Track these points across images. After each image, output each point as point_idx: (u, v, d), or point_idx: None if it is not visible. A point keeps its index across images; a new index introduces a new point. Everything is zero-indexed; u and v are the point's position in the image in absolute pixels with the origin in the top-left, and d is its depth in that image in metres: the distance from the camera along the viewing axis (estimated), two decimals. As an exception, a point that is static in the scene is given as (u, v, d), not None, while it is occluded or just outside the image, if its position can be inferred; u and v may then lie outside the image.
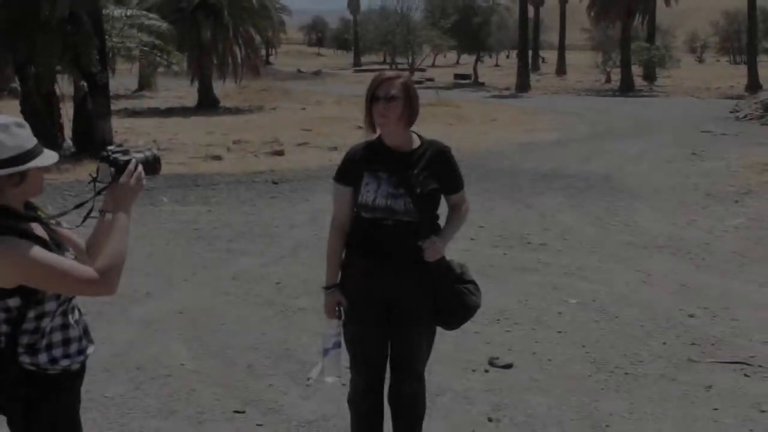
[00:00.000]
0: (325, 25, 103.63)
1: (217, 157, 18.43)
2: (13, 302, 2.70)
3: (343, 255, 3.98)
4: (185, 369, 5.78)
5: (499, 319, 6.91)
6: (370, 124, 3.84)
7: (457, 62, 74.55)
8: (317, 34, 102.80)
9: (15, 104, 20.50)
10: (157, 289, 7.76)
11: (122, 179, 2.84)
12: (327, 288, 4.00)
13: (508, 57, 75.56)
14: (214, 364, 5.89)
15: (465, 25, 51.81)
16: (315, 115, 28.11)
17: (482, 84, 51.33)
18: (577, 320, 6.92)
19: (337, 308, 3.97)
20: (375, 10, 43.50)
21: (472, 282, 4.02)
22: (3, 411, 2.84)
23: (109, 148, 2.94)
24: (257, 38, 37.55)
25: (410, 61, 37.09)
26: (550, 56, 74.59)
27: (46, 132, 18.25)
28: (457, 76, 55.47)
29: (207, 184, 14.19)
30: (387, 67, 39.70)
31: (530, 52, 53.91)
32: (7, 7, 18.44)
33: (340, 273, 3.99)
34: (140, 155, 2.95)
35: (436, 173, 3.87)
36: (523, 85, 45.50)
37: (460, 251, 9.06)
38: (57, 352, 2.82)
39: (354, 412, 4.13)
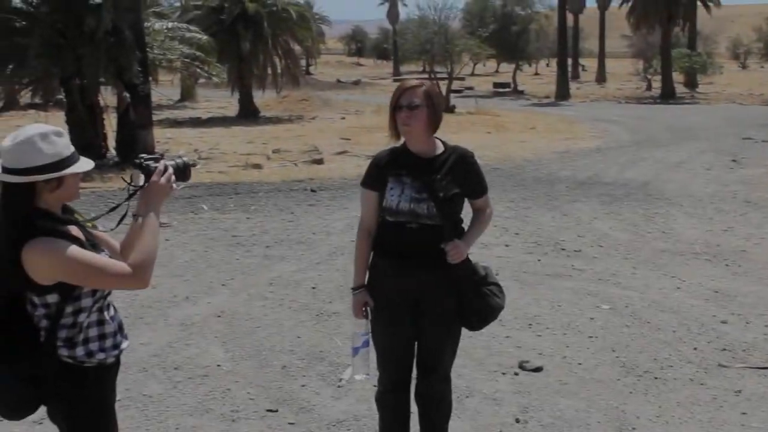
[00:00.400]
0: (365, 34, 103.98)
1: (257, 166, 18.67)
2: (52, 298, 2.88)
3: (371, 257, 4.10)
4: (221, 370, 5.94)
5: (530, 324, 6.98)
6: (395, 131, 3.97)
7: (497, 71, 74.52)
8: (357, 43, 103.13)
9: (61, 115, 20.94)
10: (195, 294, 7.94)
11: (153, 179, 3.01)
12: (354, 289, 4.13)
13: (548, 65, 75.33)
14: (250, 365, 6.04)
15: (504, 34, 51.78)
16: (354, 125, 28.30)
17: (521, 92, 51.23)
18: (608, 326, 6.96)
19: (364, 308, 4.09)
20: (413, 19, 43.47)
21: (496, 284, 4.11)
22: (44, 402, 3.01)
23: (142, 155, 3.15)
24: (297, 48, 37.91)
25: (449, 69, 37.01)
26: (590, 64, 74.22)
27: (90, 142, 18.67)
28: (496, 84, 55.41)
29: (246, 192, 14.40)
30: (426, 76, 39.78)
31: (570, 60, 53.70)
32: (52, 21, 18.90)
33: (367, 274, 4.10)
34: (171, 162, 3.11)
35: (459, 178, 3.97)
36: (562, 94, 45.32)
37: (495, 257, 9.17)
38: (93, 346, 2.99)
39: (381, 410, 4.25)
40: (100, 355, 3.01)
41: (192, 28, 23.70)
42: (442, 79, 36.92)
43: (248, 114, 34.80)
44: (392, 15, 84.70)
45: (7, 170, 2.82)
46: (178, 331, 6.84)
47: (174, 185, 3.10)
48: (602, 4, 67.40)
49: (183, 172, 3.18)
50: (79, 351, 2.95)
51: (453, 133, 24.38)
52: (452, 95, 36.30)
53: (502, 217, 11.68)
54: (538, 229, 11.00)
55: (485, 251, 9.39)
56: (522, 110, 36.91)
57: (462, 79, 50.90)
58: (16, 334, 2.88)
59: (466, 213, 4.08)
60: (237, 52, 33.35)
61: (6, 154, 2.84)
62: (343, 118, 32.31)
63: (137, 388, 5.52)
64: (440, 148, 4.03)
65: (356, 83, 61.70)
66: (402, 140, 4.01)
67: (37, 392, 2.95)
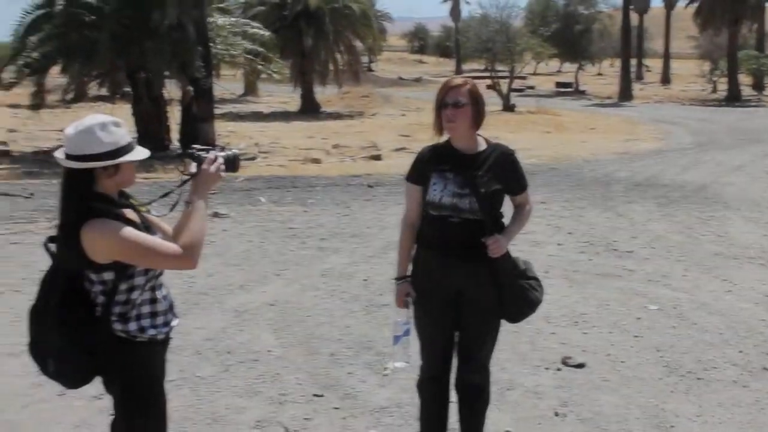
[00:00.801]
0: (427, 32, 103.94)
1: (316, 161, 18.96)
2: (108, 276, 3.10)
3: (414, 249, 4.23)
4: (271, 355, 6.14)
5: (577, 322, 7.04)
6: (439, 127, 4.09)
7: (559, 70, 73.92)
8: (419, 41, 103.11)
9: (127, 107, 21.50)
10: (250, 283, 8.17)
11: (203, 167, 3.22)
12: (397, 279, 4.27)
13: (611, 65, 74.47)
14: (299, 351, 6.24)
15: (566, 33, 51.47)
16: (414, 122, 28.44)
17: (583, 92, 50.82)
18: (655, 326, 6.99)
19: (405, 298, 4.22)
20: (476, 17, 43.40)
21: (535, 278, 4.22)
22: (100, 372, 3.24)
23: (195, 146, 3.39)
24: (358, 45, 38.18)
25: (510, 68, 36.92)
26: (654, 65, 73.16)
27: (155, 133, 19.19)
28: (558, 84, 55.10)
29: (304, 186, 14.66)
30: (487, 74, 39.72)
31: (633, 61, 53.04)
32: (119, 16, 19.41)
33: (410, 265, 4.24)
34: (221, 152, 3.31)
35: (501, 174, 4.07)
36: (625, 94, 44.88)
37: (546, 255, 9.25)
38: (145, 322, 3.21)
39: (422, 397, 4.39)
40: (151, 331, 3.22)
41: (254, 24, 24.12)
42: (503, 77, 36.88)
43: (309, 109, 35.22)
44: (455, 13, 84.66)
45: (70, 156, 3.05)
46: (232, 317, 7.07)
47: (223, 174, 3.28)
48: (668, 3, 66.33)
49: (232, 162, 3.37)
50: (132, 326, 3.17)
51: (511, 132, 24.40)
52: (513, 94, 36.19)
53: (556, 216, 11.73)
54: (592, 228, 11.02)
55: (537, 249, 9.47)
56: (583, 110, 36.69)
57: (524, 78, 50.76)
58: (76, 309, 3.11)
59: (507, 208, 4.18)
60: (299, 48, 33.79)
61: (68, 142, 3.07)
62: (404, 115, 32.50)
63: (191, 370, 5.75)
64: (482, 145, 4.14)
65: (417, 80, 61.80)
66: (445, 136, 4.14)
67: (93, 363, 3.17)
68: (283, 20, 34.04)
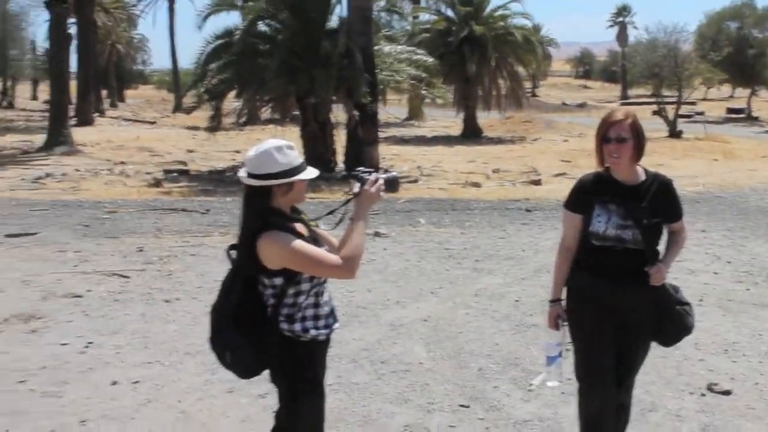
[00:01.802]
0: (593, 57, 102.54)
1: (476, 185, 19.25)
2: (278, 281, 3.56)
3: (576, 275, 4.40)
4: (422, 367, 6.49)
5: (727, 350, 7.02)
6: (601, 160, 4.28)
7: (731, 96, 71.20)
8: (584, 66, 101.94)
9: (296, 130, 22.53)
10: (406, 299, 8.58)
11: (364, 188, 3.61)
12: (552, 301, 4.50)
13: (790, 91, 71.03)
14: (449, 365, 6.56)
15: (739, 58, 49.59)
16: (576, 147, 28.28)
17: (756, 119, 48.76)
18: (810, 358, 6.88)
19: (557, 320, 4.44)
20: (642, 42, 42.55)
21: (688, 304, 4.37)
22: (268, 366, 3.69)
23: (359, 168, 3.80)
24: (521, 71, 38.31)
25: (678, 94, 36.00)
26: (838, 90, 69.20)
27: (321, 155, 20.03)
28: (729, 110, 53.14)
29: (463, 208, 14.98)
30: (654, 100, 38.91)
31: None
32: (291, 44, 20.46)
33: (564, 289, 4.45)
34: (383, 174, 3.70)
35: (661, 205, 4.24)
36: (803, 121, 42.82)
37: (701, 284, 9.19)
38: (309, 324, 3.64)
39: (585, 418, 4.44)
40: (313, 332, 3.64)
41: (419, 51, 24.72)
42: (671, 103, 36.01)
43: (471, 134, 35.63)
44: (621, 37, 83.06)
45: (251, 175, 3.54)
46: (388, 330, 7.48)
47: (383, 194, 3.67)
48: None
49: (392, 184, 3.75)
50: (297, 326, 3.60)
51: (677, 159, 23.91)
52: (680, 120, 35.31)
53: (715, 245, 11.55)
54: (753, 258, 10.79)
55: (691, 277, 9.42)
56: (755, 137, 35.29)
57: (693, 103, 49.28)
58: (250, 309, 3.58)
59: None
60: (462, 74, 34.28)
61: (249, 162, 3.56)
62: (566, 141, 32.33)
63: (347, 376, 6.19)
64: (642, 176, 4.28)
65: (581, 106, 61.12)
66: (605, 165, 4.31)
67: (263, 357, 3.62)
68: (447, 46, 34.68)
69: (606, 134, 4.18)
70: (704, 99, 61.31)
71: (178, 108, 53.48)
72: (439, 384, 6.12)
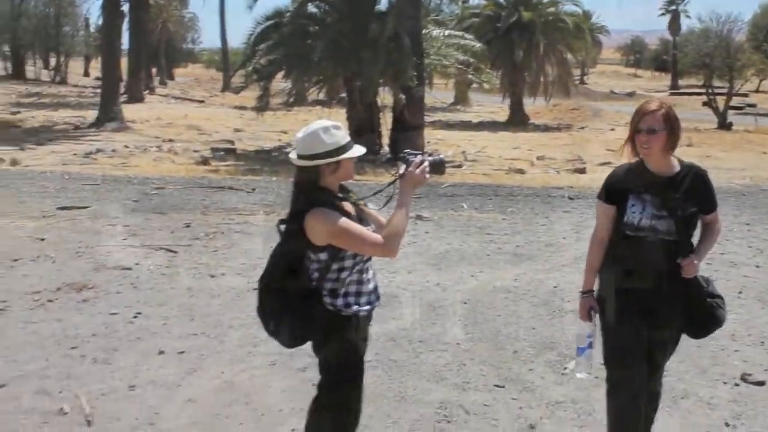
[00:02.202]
0: (644, 45, 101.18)
1: (520, 171, 19.31)
2: (323, 256, 3.72)
3: (610, 265, 4.41)
4: (459, 347, 6.64)
5: (763, 342, 7.04)
6: (634, 149, 4.25)
7: (786, 88, 69.91)
8: (635, 54, 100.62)
9: (342, 112, 22.73)
10: (446, 281, 8.71)
11: (409, 169, 3.75)
12: (583, 293, 4.53)
13: None
14: (485, 346, 6.70)
15: (795, 49, 48.78)
16: (622, 136, 27.78)
17: (810, 112, 47.93)
18: None
19: (589, 311, 4.48)
20: (695, 31, 41.98)
21: (720, 297, 4.39)
22: (311, 337, 3.86)
23: (406, 150, 3.94)
24: (570, 58, 38.07)
25: (729, 85, 35.53)
26: None
27: (367, 138, 20.18)
28: (783, 102, 52.29)
29: (506, 194, 15.04)
30: (704, 91, 38.43)
31: None
32: (340, 26, 20.60)
33: (597, 280, 4.47)
34: (429, 157, 3.83)
35: (696, 196, 4.24)
36: None
37: (742, 276, 9.18)
38: (351, 299, 3.80)
39: (614, 409, 4.44)
40: (355, 308, 3.80)
41: (467, 35, 24.72)
42: (721, 94, 35.57)
43: (517, 120, 35.55)
44: (673, 26, 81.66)
45: (300, 156, 3.70)
46: (427, 311, 7.63)
47: (428, 176, 3.79)
48: None
49: (438, 167, 3.87)
50: (339, 301, 3.76)
51: (725, 151, 23.68)
52: (730, 112, 34.87)
53: (759, 238, 11.50)
54: (796, 252, 10.74)
55: (733, 269, 9.42)
56: (808, 131, 34.75)
57: (745, 95, 48.56)
58: (295, 281, 3.75)
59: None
60: (510, 60, 34.19)
61: (298, 144, 3.73)
62: (613, 130, 32.11)
63: (385, 353, 6.36)
64: (677, 167, 4.27)
65: (630, 95, 60.45)
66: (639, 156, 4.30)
67: (305, 328, 3.79)
68: (495, 32, 34.60)
69: (638, 125, 4.16)
70: (757, 91, 60.21)
71: (226, 87, 54.07)
72: (475, 364, 6.26)
